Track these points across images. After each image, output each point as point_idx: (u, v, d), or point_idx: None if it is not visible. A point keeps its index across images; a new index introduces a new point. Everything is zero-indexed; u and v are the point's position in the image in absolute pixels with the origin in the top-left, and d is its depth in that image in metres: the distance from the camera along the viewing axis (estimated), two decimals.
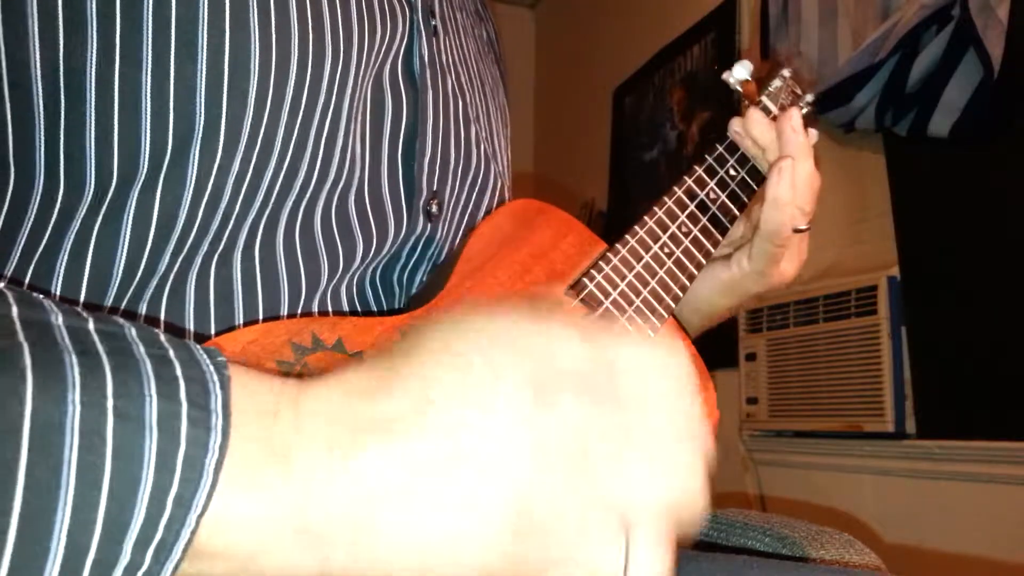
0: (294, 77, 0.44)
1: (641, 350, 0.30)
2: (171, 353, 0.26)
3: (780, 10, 1.81)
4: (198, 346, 0.27)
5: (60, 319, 0.25)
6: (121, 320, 0.27)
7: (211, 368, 0.26)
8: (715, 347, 1.97)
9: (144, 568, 0.24)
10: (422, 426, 0.26)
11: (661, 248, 0.52)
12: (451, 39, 0.57)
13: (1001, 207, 1.40)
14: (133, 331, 0.26)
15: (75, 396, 0.23)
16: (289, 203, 0.45)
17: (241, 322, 0.44)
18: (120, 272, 0.42)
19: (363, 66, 0.47)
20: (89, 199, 0.42)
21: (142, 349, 0.25)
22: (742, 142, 0.63)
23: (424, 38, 0.52)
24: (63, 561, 0.22)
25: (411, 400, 0.27)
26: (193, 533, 0.24)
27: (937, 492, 1.48)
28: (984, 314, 1.42)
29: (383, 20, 0.49)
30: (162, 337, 0.27)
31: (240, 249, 0.44)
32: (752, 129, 0.61)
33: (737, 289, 0.63)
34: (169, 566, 0.24)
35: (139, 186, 0.42)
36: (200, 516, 0.24)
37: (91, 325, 0.26)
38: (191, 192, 0.42)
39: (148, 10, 0.40)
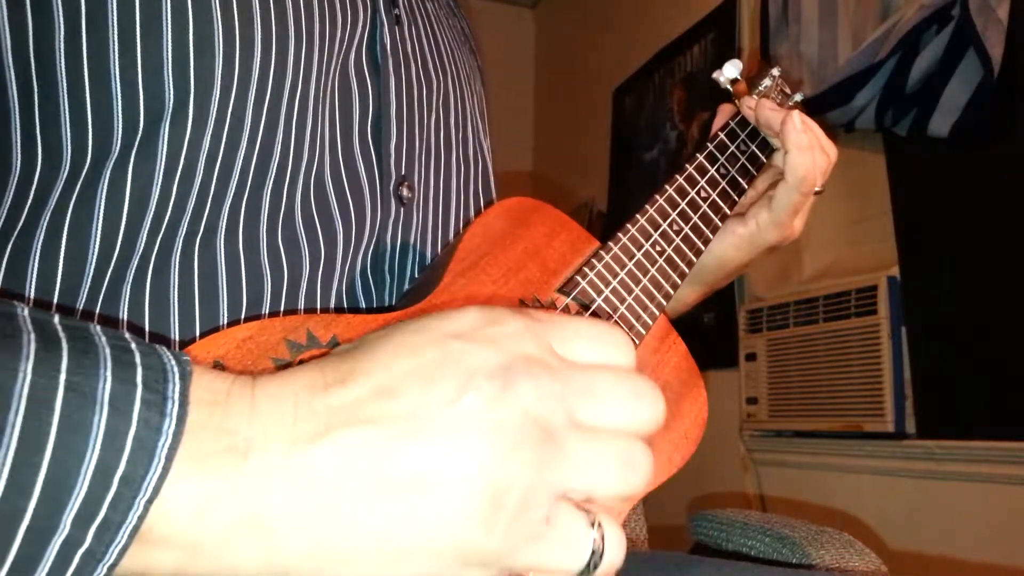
0: (259, 58, 0.45)
1: (582, 328, 0.31)
2: (132, 345, 0.26)
3: (780, 10, 1.81)
4: (164, 347, 0.27)
5: (26, 311, 0.26)
6: (89, 323, 0.27)
7: (171, 360, 0.26)
8: (715, 347, 1.97)
9: (85, 546, 0.23)
10: (385, 414, 0.27)
11: (652, 246, 0.52)
12: (417, 28, 0.58)
13: (1001, 207, 1.40)
14: (98, 327, 0.26)
15: (27, 366, 0.23)
16: (269, 186, 0.46)
17: (225, 307, 0.44)
18: (96, 250, 0.42)
19: (327, 52, 0.49)
20: (64, 177, 0.43)
21: (104, 339, 0.26)
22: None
23: (387, 27, 0.54)
24: None
25: (371, 389, 0.27)
26: (141, 519, 0.24)
27: (937, 492, 1.48)
28: (984, 314, 1.42)
29: (343, 8, 0.50)
30: (128, 335, 0.27)
31: (222, 233, 0.45)
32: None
33: (755, 242, 0.64)
34: (114, 548, 0.24)
35: (112, 163, 0.43)
36: (150, 501, 0.24)
37: (56, 319, 0.26)
38: (162, 168, 0.43)
39: None
